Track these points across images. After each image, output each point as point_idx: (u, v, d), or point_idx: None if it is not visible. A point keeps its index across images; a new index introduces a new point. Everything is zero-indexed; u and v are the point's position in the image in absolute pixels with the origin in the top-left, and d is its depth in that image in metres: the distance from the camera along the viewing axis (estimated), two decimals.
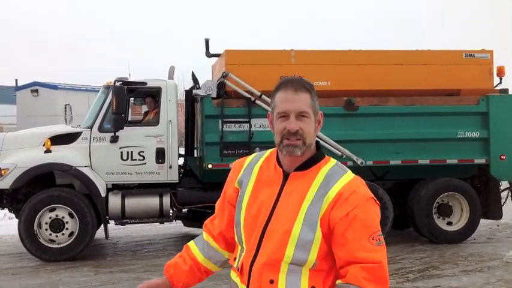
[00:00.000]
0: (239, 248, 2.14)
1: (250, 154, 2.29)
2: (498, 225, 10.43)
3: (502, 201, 9.39)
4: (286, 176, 2.05)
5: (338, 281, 1.95)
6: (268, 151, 2.20)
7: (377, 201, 2.03)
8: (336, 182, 1.99)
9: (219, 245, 2.28)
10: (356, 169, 8.28)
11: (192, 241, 2.36)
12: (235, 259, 2.16)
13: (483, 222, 9.55)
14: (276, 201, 2.03)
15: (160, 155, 8.41)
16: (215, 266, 2.33)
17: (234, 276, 2.14)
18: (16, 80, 33.39)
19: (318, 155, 2.07)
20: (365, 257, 1.91)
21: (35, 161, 8.10)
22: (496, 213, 9.23)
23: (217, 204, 2.33)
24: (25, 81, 27.18)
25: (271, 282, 1.97)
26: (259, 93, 8.41)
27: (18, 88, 27.44)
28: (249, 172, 2.15)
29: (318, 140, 2.12)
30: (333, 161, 2.09)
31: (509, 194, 9.81)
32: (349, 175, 2.03)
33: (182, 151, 9.40)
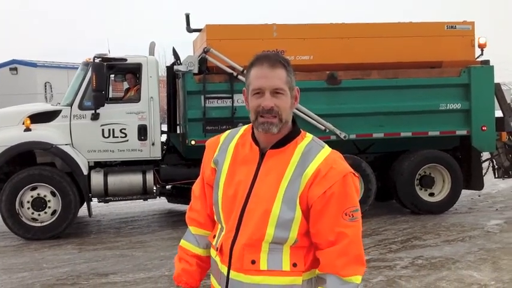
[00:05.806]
0: (219, 226, 2.11)
1: None
2: (479, 196, 10.58)
3: (483, 171, 9.52)
4: (262, 154, 2.01)
5: (317, 271, 1.96)
6: (243, 128, 2.14)
7: (355, 174, 2.00)
8: (313, 159, 1.95)
9: (210, 230, 2.21)
10: (339, 143, 8.38)
11: (182, 240, 2.27)
12: (214, 236, 2.13)
13: (464, 192, 9.68)
14: (253, 181, 1.99)
15: (142, 132, 8.33)
16: None
17: (214, 255, 2.11)
18: None
19: (294, 131, 2.03)
20: (336, 233, 1.91)
21: (14, 140, 7.98)
22: (477, 183, 9.36)
23: (196, 188, 2.25)
24: (3, 59, 26.77)
25: (253, 262, 1.95)
26: (241, 68, 8.33)
27: None
28: (224, 151, 2.09)
29: (295, 115, 2.08)
30: (309, 136, 2.05)
31: (490, 164, 9.94)
32: (326, 150, 2.00)
33: (164, 128, 9.33)
